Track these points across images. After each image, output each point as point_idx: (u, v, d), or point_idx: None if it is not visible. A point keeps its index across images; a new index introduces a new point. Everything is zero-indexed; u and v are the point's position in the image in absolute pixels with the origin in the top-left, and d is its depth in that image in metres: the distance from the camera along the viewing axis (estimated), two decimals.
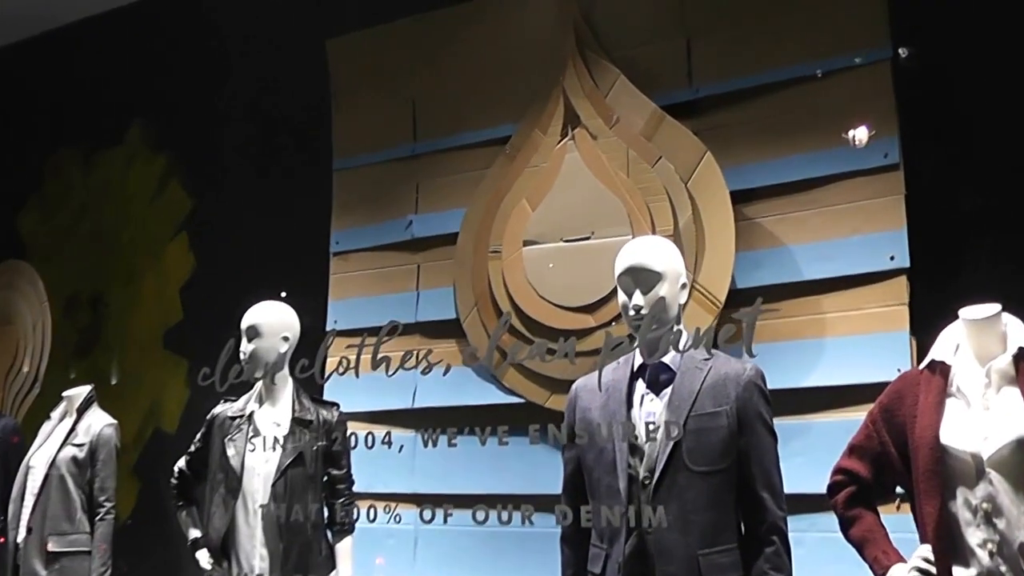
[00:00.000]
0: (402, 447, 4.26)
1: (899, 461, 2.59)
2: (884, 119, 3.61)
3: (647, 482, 2.57)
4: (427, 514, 3.86)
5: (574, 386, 2.92)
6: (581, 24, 4.13)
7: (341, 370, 2.98)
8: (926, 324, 3.51)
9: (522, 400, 4.09)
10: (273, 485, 3.39)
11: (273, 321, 3.57)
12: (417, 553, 4.24)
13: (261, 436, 3.48)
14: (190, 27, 5.58)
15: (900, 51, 3.63)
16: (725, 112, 3.89)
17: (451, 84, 4.50)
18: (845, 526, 2.66)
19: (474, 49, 4.44)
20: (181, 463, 3.70)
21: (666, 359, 2.69)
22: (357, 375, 3.07)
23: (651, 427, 2.62)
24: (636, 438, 2.63)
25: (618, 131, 3.98)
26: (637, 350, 2.77)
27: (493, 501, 4.01)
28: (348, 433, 3.58)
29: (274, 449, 3.43)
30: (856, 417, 3.38)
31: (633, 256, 2.76)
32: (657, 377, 2.69)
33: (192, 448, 3.68)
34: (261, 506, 3.39)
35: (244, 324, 3.55)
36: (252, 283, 3.72)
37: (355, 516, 3.57)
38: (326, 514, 3.57)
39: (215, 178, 5.39)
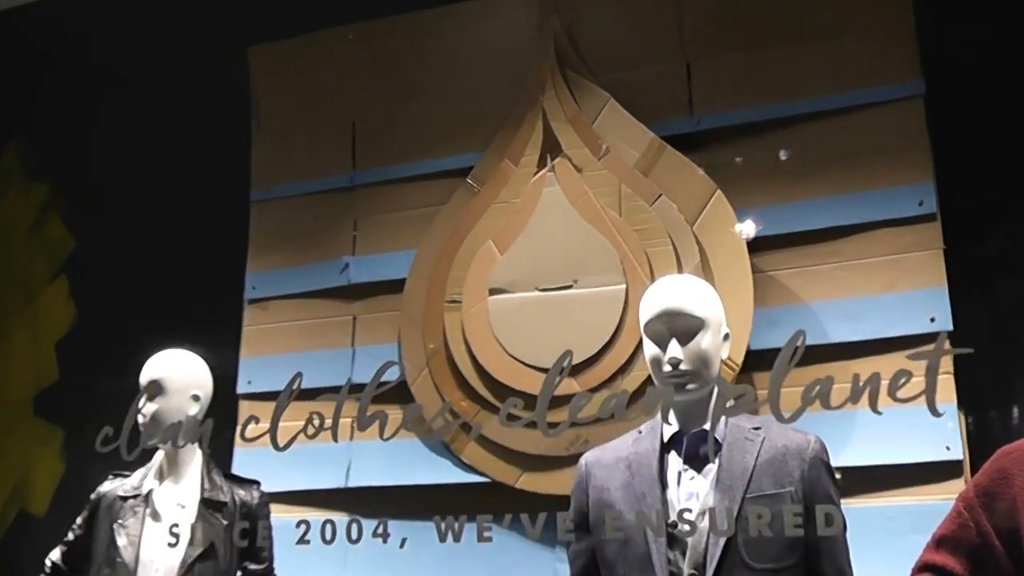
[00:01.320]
0: (332, 537, 3.51)
1: (1005, 556, 2.04)
2: (917, 162, 3.15)
3: None
4: None
5: (583, 462, 2.33)
6: (563, 39, 3.55)
7: (311, 431, 2.32)
8: (975, 396, 3.05)
9: (486, 480, 3.39)
10: None
11: (180, 376, 2.86)
12: None
13: (161, 522, 2.76)
14: (77, 34, 4.74)
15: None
16: (731, 147, 3.35)
17: (400, 103, 3.84)
18: None
19: (430, 64, 3.80)
20: (55, 555, 2.91)
21: (708, 427, 2.15)
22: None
23: (692, 514, 2.07)
24: (675, 527, 2.07)
25: (608, 163, 3.39)
26: (665, 417, 2.23)
27: None
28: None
29: (178, 539, 2.70)
30: (897, 502, 2.92)
31: (668, 298, 2.23)
32: (697, 450, 2.15)
33: (70, 536, 2.91)
34: None
35: (144, 378, 2.84)
36: (144, 337, 3.01)
37: None
38: None
39: (103, 211, 4.53)
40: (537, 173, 3.48)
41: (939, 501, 2.81)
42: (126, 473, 2.90)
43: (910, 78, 3.18)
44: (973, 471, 2.96)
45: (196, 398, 2.87)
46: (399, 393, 3.58)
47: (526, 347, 3.34)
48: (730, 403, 2.11)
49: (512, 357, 3.36)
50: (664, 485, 2.14)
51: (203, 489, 2.81)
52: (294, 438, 2.41)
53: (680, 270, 3.19)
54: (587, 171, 3.41)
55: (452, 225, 3.59)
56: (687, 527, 2.06)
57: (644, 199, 3.31)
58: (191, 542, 2.71)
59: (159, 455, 2.88)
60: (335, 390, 3.58)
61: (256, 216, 4.00)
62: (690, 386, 2.17)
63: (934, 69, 3.19)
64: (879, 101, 3.21)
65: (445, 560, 3.37)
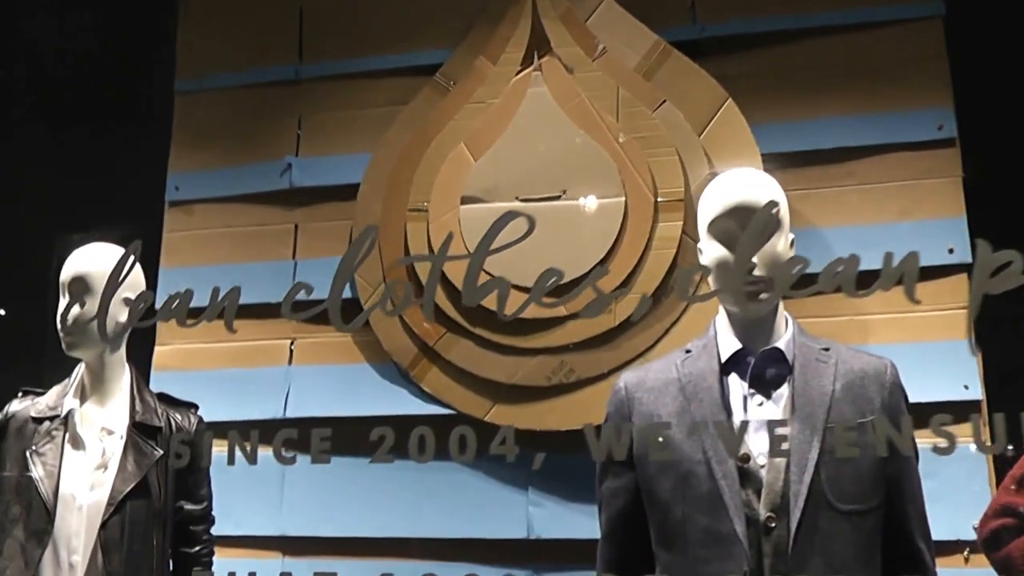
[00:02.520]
0: (268, 477, 3.08)
1: None
2: (936, 85, 2.93)
3: (772, 525, 1.71)
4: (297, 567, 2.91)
5: (622, 385, 1.94)
6: None
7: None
8: (992, 333, 2.85)
9: (451, 412, 3.01)
10: (103, 526, 2.20)
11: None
12: None
13: (85, 449, 2.28)
14: None
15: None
16: (736, 59, 3.06)
17: None
18: None
19: None
20: None
21: (780, 344, 1.83)
22: None
23: (766, 446, 1.74)
24: (746, 460, 1.74)
25: (604, 65, 3.04)
26: (719, 332, 1.88)
27: (407, 550, 2.97)
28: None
29: (104, 469, 2.25)
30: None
31: (743, 191, 1.87)
32: (764, 371, 1.82)
33: None
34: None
35: (67, 275, 2.34)
36: (52, 242, 2.50)
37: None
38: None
39: (10, 101, 3.90)
40: (520, 72, 3.10)
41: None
42: (39, 391, 2.40)
43: None
44: (990, 411, 2.78)
45: (128, 302, 2.37)
46: (349, 312, 3.15)
47: (505, 263, 2.94)
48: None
49: (488, 274, 2.97)
50: (728, 412, 1.81)
51: (133, 411, 2.33)
52: None
53: (687, 184, 2.88)
54: (580, 72, 3.05)
55: (418, 125, 3.18)
56: (761, 461, 1.74)
57: (645, 105, 2.97)
58: (120, 474, 2.24)
59: (79, 370, 2.39)
60: (275, 308, 3.21)
61: (181, 109, 3.47)
62: (764, 295, 1.81)
63: None
64: (896, 19, 2.99)
65: (403, 504, 3.00)
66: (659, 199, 2.89)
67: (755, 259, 1.80)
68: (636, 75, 3.01)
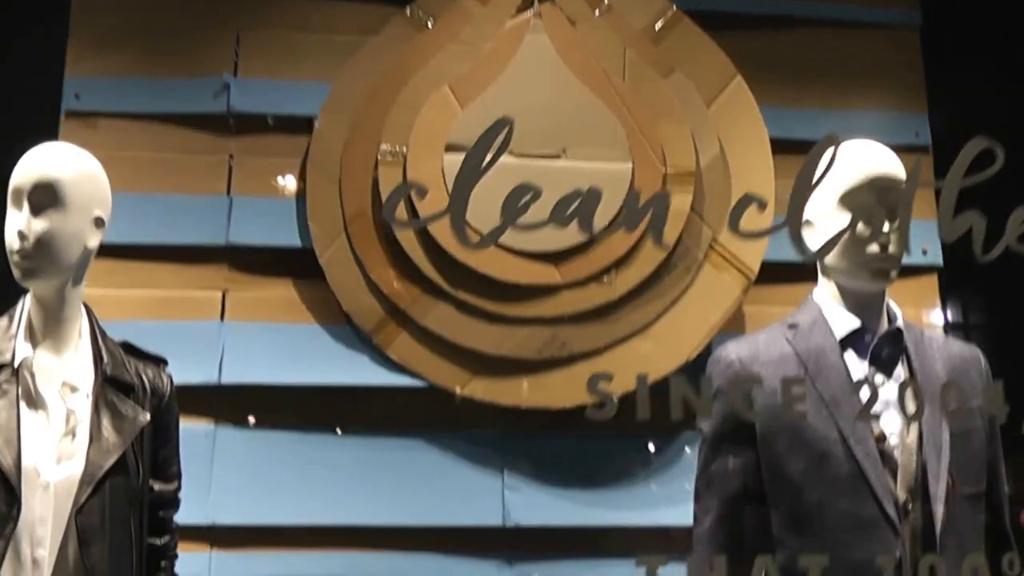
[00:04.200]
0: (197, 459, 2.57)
1: None
2: (912, 93, 3.04)
3: (909, 508, 1.67)
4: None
5: (735, 357, 1.79)
6: None
7: None
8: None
9: (421, 384, 2.69)
10: (79, 510, 1.70)
11: (86, 183, 1.85)
12: None
13: (47, 410, 1.76)
14: None
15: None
16: (722, 37, 2.96)
17: None
18: None
19: None
20: None
21: (900, 324, 1.79)
22: None
23: (896, 427, 1.69)
24: (882, 440, 1.68)
25: (609, 22, 2.84)
26: (826, 308, 1.79)
27: (365, 540, 2.61)
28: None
29: (72, 437, 1.75)
30: None
31: (883, 163, 1.79)
32: (882, 350, 1.76)
33: None
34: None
35: (28, 180, 1.79)
36: None
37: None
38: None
39: None
40: (516, 15, 2.83)
41: None
42: None
43: (907, 8, 3.08)
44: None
45: (100, 223, 1.87)
46: (299, 262, 2.75)
47: (496, 222, 2.69)
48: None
49: (475, 231, 2.68)
50: (856, 391, 1.70)
51: (101, 362, 1.82)
52: None
53: (697, 159, 2.75)
54: (582, 26, 2.83)
55: (388, 61, 2.82)
56: (894, 442, 1.67)
57: (656, 71, 2.81)
58: (95, 444, 1.73)
59: (23, 307, 1.83)
60: (202, 250, 2.74)
61: (80, 5, 2.86)
62: (893, 273, 1.75)
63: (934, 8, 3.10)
64: (875, 22, 3.05)
65: (361, 488, 2.65)
66: (668, 171, 2.74)
67: (892, 235, 1.73)
68: (644, 38, 2.84)
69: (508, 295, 2.67)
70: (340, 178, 2.75)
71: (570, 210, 1.41)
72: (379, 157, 2.74)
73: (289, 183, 2.80)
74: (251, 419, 2.66)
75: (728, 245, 2.74)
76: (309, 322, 2.73)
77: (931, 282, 2.91)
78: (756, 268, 2.73)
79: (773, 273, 2.76)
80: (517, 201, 1.48)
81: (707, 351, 2.74)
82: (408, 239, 2.70)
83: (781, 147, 2.88)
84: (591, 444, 2.72)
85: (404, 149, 2.74)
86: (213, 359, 2.65)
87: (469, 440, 2.70)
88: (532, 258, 2.69)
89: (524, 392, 2.67)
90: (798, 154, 2.76)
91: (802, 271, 2.81)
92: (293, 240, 2.76)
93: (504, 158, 2.76)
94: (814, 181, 1.48)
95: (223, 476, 2.59)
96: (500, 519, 2.66)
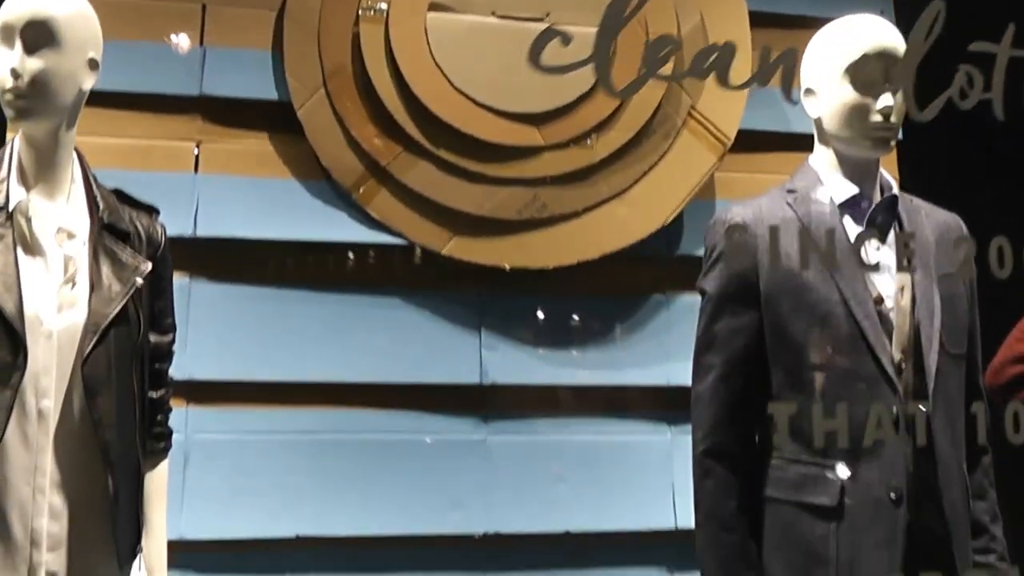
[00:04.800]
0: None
1: None
2: None
3: (903, 367, 1.76)
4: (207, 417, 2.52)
5: (739, 218, 1.85)
6: None
7: None
8: None
9: (401, 241, 2.68)
10: (86, 361, 1.65)
11: (80, 21, 1.77)
12: (188, 483, 2.50)
13: (45, 256, 1.70)
14: None
15: None
16: None
17: None
18: None
19: None
20: None
21: (895, 191, 1.88)
22: None
23: (892, 289, 1.80)
24: (880, 302, 1.77)
25: None
26: (823, 175, 1.86)
27: (340, 397, 2.62)
28: None
29: (73, 285, 1.70)
30: None
31: (887, 36, 1.85)
32: (877, 216, 1.86)
33: None
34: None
35: (20, 16, 1.69)
36: None
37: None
38: None
39: None
40: None
41: None
42: None
43: None
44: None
45: (94, 65, 1.80)
46: (274, 115, 2.69)
47: (479, 82, 2.68)
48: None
49: (458, 91, 2.67)
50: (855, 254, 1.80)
51: (96, 208, 1.76)
52: None
53: (679, 27, 2.78)
54: None
55: None
56: (890, 304, 1.77)
57: None
58: (97, 293, 1.68)
59: (12, 150, 1.75)
60: (174, 100, 2.66)
61: None
62: (892, 142, 1.84)
63: None
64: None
65: (338, 344, 2.64)
66: (649, 39, 2.75)
67: (891, 102, 1.80)
68: None
69: (490, 155, 2.67)
70: (319, 32, 2.69)
71: (707, 63, 1.42)
72: (360, 12, 2.69)
73: (264, 35, 2.72)
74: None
75: (706, 112, 2.79)
76: (286, 177, 2.68)
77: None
78: (732, 136, 2.79)
79: (745, 141, 2.83)
80: (658, 51, 1.47)
81: (681, 216, 2.82)
82: (390, 96, 2.66)
83: (759, 20, 2.93)
84: (567, 305, 2.77)
85: (385, 5, 2.69)
86: (187, 212, 2.59)
87: (448, 299, 2.71)
88: (515, 119, 2.69)
89: (504, 252, 2.69)
90: (776, 27, 2.88)
91: (772, 141, 2.92)
92: (269, 93, 2.70)
93: (486, 18, 2.79)
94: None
95: (198, 330, 2.54)
96: (477, 377, 2.69)
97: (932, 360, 1.75)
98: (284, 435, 2.60)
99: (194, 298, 2.56)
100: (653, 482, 2.74)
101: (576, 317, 2.78)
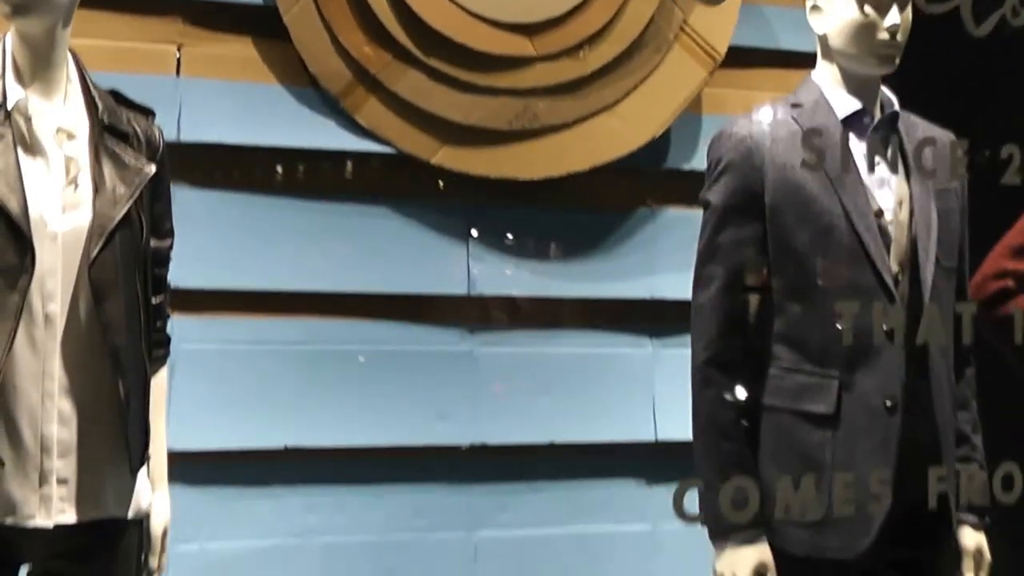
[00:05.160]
0: None
1: None
2: None
3: (900, 278, 1.82)
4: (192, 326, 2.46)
5: (745, 131, 1.86)
6: None
7: None
8: None
9: (389, 150, 2.65)
10: (93, 263, 1.61)
11: None
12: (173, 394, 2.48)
13: (46, 157, 1.65)
14: None
15: None
16: None
17: None
18: None
19: None
20: None
21: (897, 108, 1.92)
22: None
23: (891, 202, 1.86)
24: (880, 215, 1.83)
25: None
26: (826, 90, 1.88)
27: (327, 306, 2.60)
28: None
29: (76, 187, 1.65)
30: None
31: None
32: (878, 133, 1.90)
33: None
34: None
35: None
36: None
37: None
38: None
39: None
40: None
41: None
42: None
43: None
44: None
45: None
46: (257, 18, 2.62)
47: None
48: None
49: (464, 9, 2.62)
50: (857, 168, 1.85)
51: (95, 109, 1.70)
52: None
53: None
54: None
55: None
56: (889, 217, 1.83)
57: None
58: (101, 195, 1.63)
59: (7, 46, 1.67)
60: (155, 1, 2.57)
61: None
62: (898, 59, 1.87)
63: None
64: None
65: (325, 254, 2.63)
66: None
67: (898, 20, 1.83)
68: None
69: (481, 64, 2.64)
70: None
71: None
72: None
73: None
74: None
75: (697, 27, 2.77)
76: (271, 82, 2.62)
77: None
78: (723, 51, 2.78)
79: (735, 57, 2.82)
80: None
81: (668, 130, 2.81)
82: (380, 3, 2.60)
83: None
84: (556, 217, 2.78)
85: None
86: (171, 116, 2.50)
87: (436, 209, 2.70)
88: (507, 29, 2.65)
89: (493, 162, 2.67)
90: None
91: (762, 57, 2.92)
92: None
93: None
94: None
95: (183, 236, 2.43)
96: (465, 288, 2.70)
97: (928, 273, 1.80)
98: (270, 345, 2.58)
99: (178, 204, 2.45)
100: (635, 394, 2.79)
101: (563, 229, 2.78)
